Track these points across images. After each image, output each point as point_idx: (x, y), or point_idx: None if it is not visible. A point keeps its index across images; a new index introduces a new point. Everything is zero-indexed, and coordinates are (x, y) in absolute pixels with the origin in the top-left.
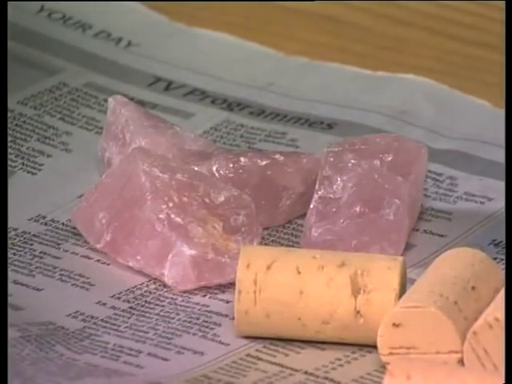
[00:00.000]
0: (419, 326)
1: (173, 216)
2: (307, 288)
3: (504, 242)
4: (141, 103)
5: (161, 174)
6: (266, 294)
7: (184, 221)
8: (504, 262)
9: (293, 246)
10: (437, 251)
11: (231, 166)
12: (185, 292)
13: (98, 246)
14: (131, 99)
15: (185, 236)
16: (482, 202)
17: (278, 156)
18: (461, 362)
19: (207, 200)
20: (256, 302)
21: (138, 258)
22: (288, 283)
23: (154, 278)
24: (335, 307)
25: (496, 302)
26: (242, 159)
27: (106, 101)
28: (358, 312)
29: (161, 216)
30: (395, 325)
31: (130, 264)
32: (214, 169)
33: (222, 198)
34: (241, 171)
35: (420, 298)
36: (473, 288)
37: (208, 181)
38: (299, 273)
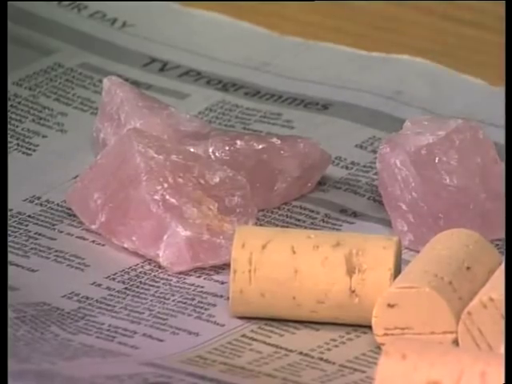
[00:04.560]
0: (414, 306)
1: (168, 197)
2: (302, 267)
3: None
4: (136, 84)
5: (156, 155)
6: (260, 273)
7: (179, 202)
8: (498, 246)
9: (288, 228)
10: None
11: (227, 148)
12: (180, 273)
13: (93, 227)
14: (126, 80)
15: (180, 217)
16: None
17: (274, 140)
18: (456, 342)
19: (202, 181)
20: (251, 281)
21: (133, 238)
22: (283, 262)
23: (149, 259)
24: (330, 286)
25: (491, 282)
26: (239, 142)
27: (101, 81)
28: (353, 291)
29: (156, 197)
30: (390, 305)
31: (125, 245)
32: (210, 151)
33: (217, 179)
34: (236, 154)
35: (415, 279)
36: (467, 268)
37: (203, 162)
38: (294, 252)
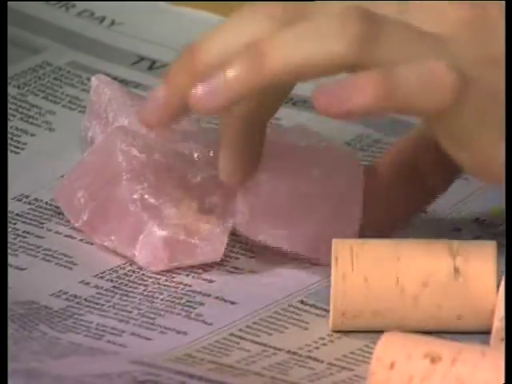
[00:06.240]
0: None
1: (146, 196)
2: (404, 253)
3: (487, 220)
4: (124, 82)
5: (138, 154)
6: (362, 258)
7: (157, 201)
8: (483, 238)
9: None
10: (420, 227)
11: (214, 146)
12: (168, 271)
13: (77, 225)
14: (114, 78)
15: (157, 217)
16: (465, 178)
17: None
18: None
19: (183, 181)
20: (353, 267)
21: (112, 238)
22: (385, 249)
23: None
24: (434, 268)
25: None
26: None
27: (89, 80)
28: (457, 270)
29: (134, 196)
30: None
31: (105, 244)
32: (195, 149)
33: (198, 179)
34: None
35: None
36: None
37: (186, 161)
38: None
